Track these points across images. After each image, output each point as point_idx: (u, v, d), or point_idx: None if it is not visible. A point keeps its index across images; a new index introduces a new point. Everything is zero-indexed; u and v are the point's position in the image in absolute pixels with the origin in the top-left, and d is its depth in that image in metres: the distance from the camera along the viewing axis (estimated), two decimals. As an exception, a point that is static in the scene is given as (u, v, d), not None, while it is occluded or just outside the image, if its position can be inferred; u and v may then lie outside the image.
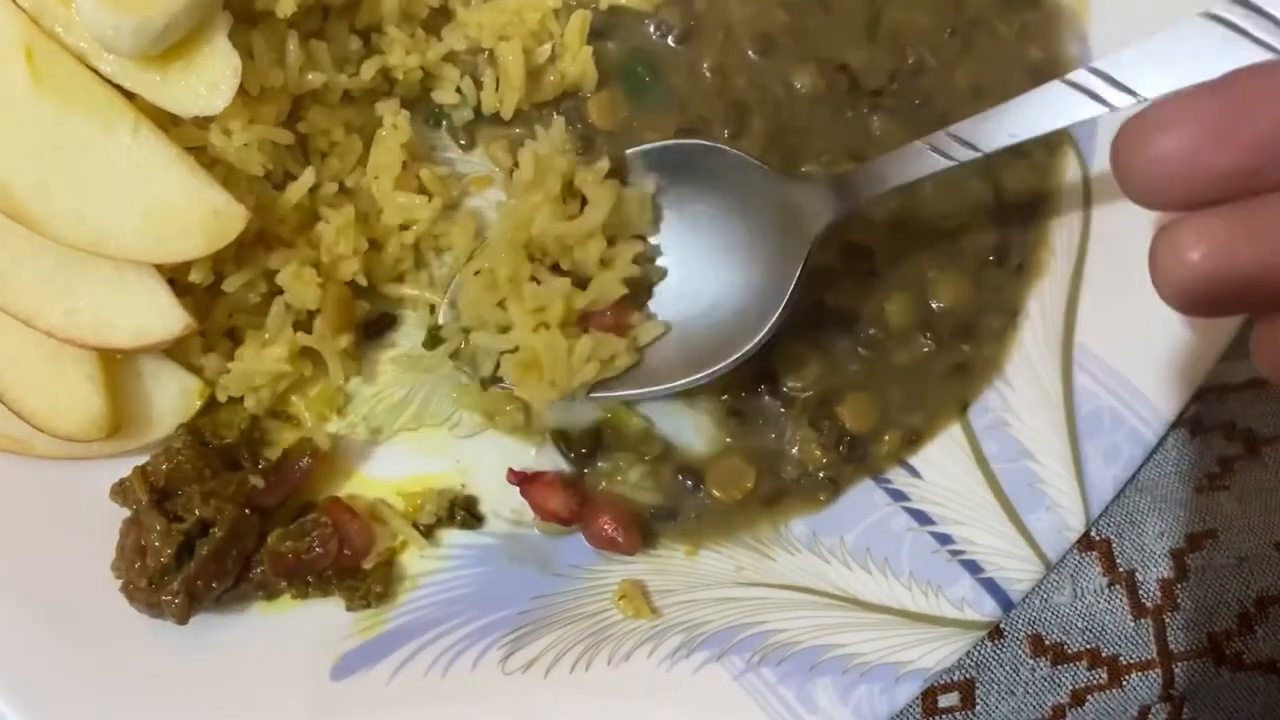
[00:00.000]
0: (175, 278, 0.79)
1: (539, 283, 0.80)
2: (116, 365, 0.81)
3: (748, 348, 0.79)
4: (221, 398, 0.84)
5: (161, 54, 0.74)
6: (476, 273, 0.82)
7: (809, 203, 0.79)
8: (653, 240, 0.83)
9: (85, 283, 0.78)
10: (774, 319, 0.78)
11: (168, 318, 0.78)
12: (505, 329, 0.81)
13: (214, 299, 0.83)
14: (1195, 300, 0.48)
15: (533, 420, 0.87)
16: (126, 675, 0.78)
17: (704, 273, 0.82)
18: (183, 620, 0.76)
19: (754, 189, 0.81)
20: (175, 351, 0.83)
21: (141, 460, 0.81)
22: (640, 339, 0.81)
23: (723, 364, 0.79)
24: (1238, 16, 0.52)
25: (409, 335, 0.89)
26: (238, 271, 0.82)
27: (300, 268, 0.82)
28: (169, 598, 0.75)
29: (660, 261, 0.83)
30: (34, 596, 0.79)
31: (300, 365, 0.85)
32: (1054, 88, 0.66)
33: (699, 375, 0.80)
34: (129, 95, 0.76)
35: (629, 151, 0.84)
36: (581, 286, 0.81)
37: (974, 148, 0.72)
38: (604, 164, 0.82)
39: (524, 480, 0.83)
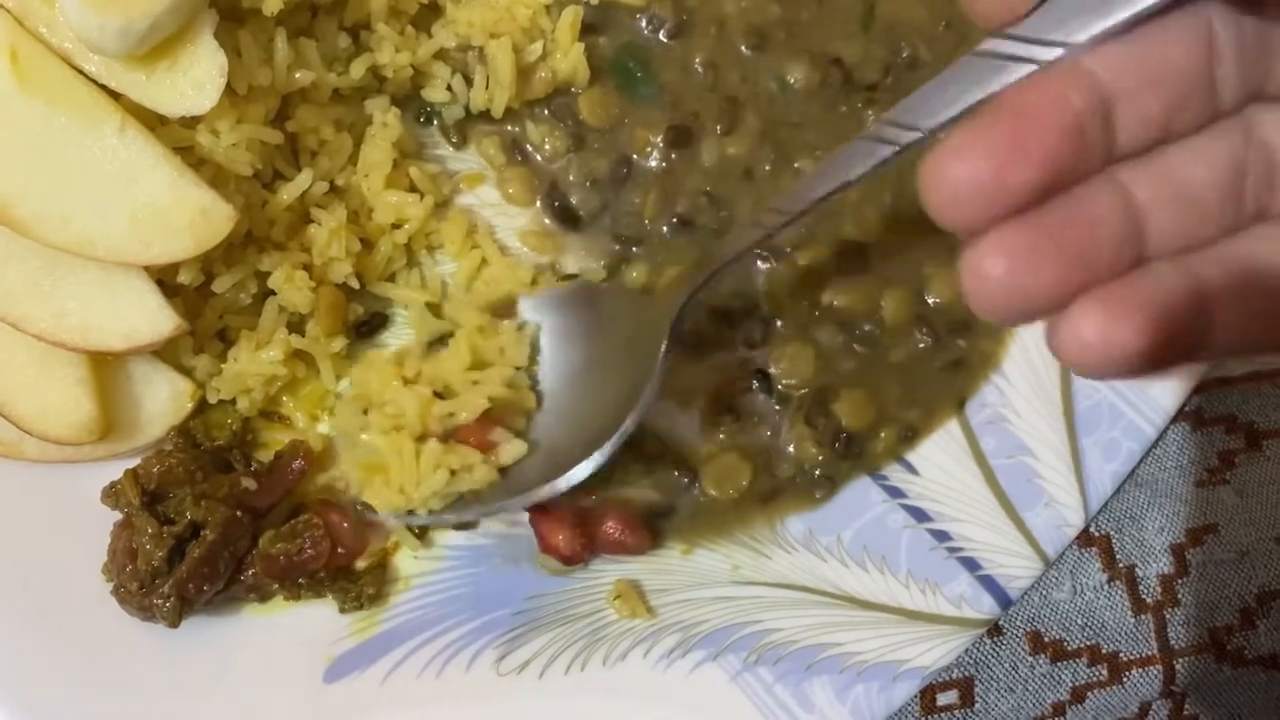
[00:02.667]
0: (164, 279, 0.79)
1: None
2: (107, 368, 0.81)
3: (608, 445, 0.79)
4: (212, 399, 0.83)
5: (147, 53, 0.73)
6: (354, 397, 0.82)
7: (650, 313, 0.80)
8: (533, 371, 0.83)
9: (73, 285, 0.77)
10: (627, 421, 0.78)
11: (157, 319, 0.77)
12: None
13: (204, 300, 0.83)
14: (1006, 312, 0.49)
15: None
16: (118, 678, 0.78)
17: (574, 393, 0.82)
18: (174, 623, 0.75)
19: (612, 310, 0.83)
20: (165, 353, 0.82)
21: (132, 463, 0.81)
22: (502, 458, 0.79)
23: (579, 465, 0.79)
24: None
25: (400, 335, 0.88)
26: (228, 272, 0.81)
27: (292, 271, 0.81)
28: (160, 600, 0.75)
29: (539, 389, 0.83)
30: (25, 600, 0.78)
31: (293, 367, 0.84)
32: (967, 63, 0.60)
33: (557, 481, 0.79)
34: (115, 95, 0.75)
35: (520, 298, 0.85)
36: None
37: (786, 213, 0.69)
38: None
39: (535, 509, 0.82)
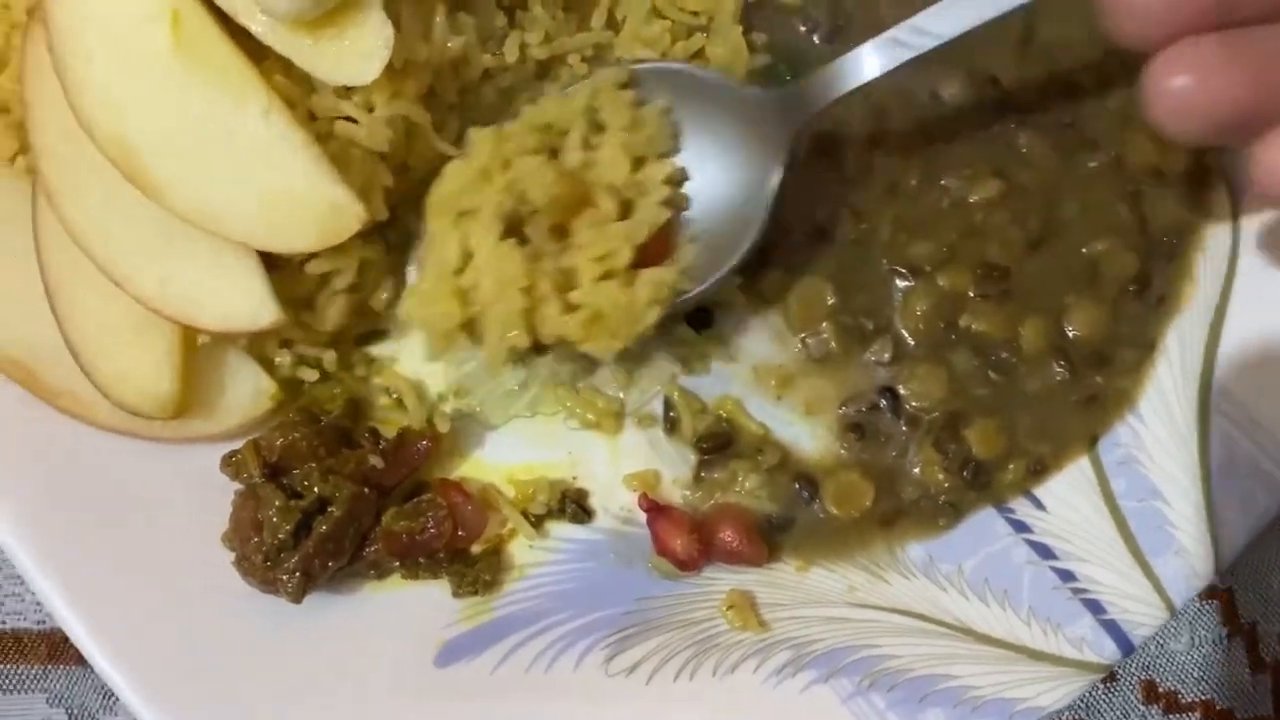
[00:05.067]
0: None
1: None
2: (196, 350, 0.80)
3: (734, 261, 0.79)
4: (310, 379, 0.83)
5: (315, 19, 0.72)
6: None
7: (773, 112, 0.79)
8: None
9: (185, 256, 0.76)
10: (757, 228, 0.79)
11: (259, 308, 0.75)
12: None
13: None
14: (1190, 123, 0.52)
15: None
16: (232, 647, 0.77)
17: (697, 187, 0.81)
18: (297, 599, 0.75)
19: (724, 104, 0.81)
20: (251, 341, 0.81)
21: (194, 448, 0.80)
22: (682, 262, 0.79)
23: (713, 277, 0.79)
24: None
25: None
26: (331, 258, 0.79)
27: None
28: (285, 576, 0.74)
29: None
30: (145, 567, 0.78)
31: None
32: None
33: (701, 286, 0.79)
34: (266, 75, 0.74)
35: (637, 68, 0.82)
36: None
37: (931, 35, 0.74)
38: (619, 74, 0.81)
39: (654, 509, 0.81)
